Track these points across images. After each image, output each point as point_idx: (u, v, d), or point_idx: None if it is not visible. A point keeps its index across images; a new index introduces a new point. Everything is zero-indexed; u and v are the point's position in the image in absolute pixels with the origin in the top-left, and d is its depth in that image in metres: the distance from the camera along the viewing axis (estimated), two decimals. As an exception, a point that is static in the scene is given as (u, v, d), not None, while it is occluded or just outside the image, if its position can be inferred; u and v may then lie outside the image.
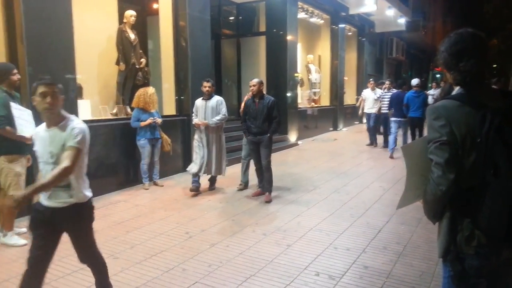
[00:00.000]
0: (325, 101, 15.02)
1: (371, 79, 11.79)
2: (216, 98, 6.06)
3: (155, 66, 8.02)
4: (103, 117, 6.76)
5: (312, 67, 14.23)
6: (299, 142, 11.73)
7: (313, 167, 8.36)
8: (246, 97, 6.38)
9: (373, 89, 11.08)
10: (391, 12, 16.11)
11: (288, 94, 11.37)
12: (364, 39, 17.75)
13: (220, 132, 6.18)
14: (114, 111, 7.21)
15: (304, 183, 6.85)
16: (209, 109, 5.99)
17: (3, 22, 4.95)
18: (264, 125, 5.65)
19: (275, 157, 9.50)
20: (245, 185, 6.45)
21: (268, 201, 5.65)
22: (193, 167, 6.13)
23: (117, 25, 7.29)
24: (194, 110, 6.23)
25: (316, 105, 14.27)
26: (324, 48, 15.10)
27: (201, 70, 7.86)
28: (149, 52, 8.39)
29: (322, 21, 14.53)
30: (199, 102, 6.13)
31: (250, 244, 4.13)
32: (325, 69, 15.09)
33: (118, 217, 5.08)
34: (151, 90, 6.43)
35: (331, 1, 13.71)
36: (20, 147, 4.09)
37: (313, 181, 7.03)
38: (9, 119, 3.90)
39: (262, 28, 11.88)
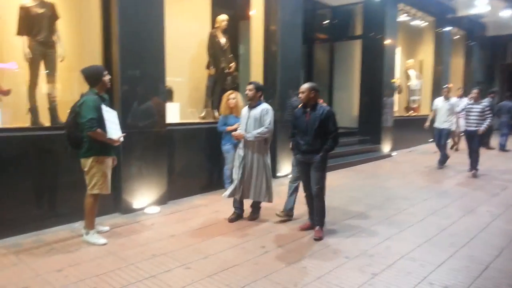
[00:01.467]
0: (426, 110, 13.82)
1: (444, 86, 9.49)
2: (262, 107, 4.88)
3: (244, 71, 7.95)
4: (191, 120, 6.81)
5: (412, 73, 13.20)
6: (393, 153, 10.88)
7: (408, 182, 7.60)
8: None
9: (446, 98, 8.91)
10: (507, 13, 14.32)
11: (384, 101, 10.61)
12: (473, 43, 16.07)
13: (263, 148, 4.96)
14: (202, 114, 7.25)
15: (397, 201, 6.21)
16: (251, 119, 4.87)
17: (100, 23, 5.15)
18: (316, 141, 4.45)
19: (366, 169, 8.97)
20: (287, 213, 5.19)
21: (318, 238, 4.48)
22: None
23: (210, 29, 7.35)
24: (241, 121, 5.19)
25: (414, 114, 13.20)
26: (426, 52, 13.94)
27: (290, 76, 7.60)
28: (239, 56, 8.35)
29: (426, 24, 13.41)
30: (244, 110, 5.11)
31: (330, 268, 3.72)
32: (427, 75, 13.92)
33: (196, 223, 5.00)
34: (238, 95, 6.30)
35: (436, 2, 12.59)
36: (108, 148, 4.20)
37: (407, 198, 6.34)
38: (100, 122, 4.00)
39: (358, 31, 11.27)
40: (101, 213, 4.81)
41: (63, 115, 5.06)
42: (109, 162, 4.30)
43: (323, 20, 11.90)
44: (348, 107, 11.50)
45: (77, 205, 4.52)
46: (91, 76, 4.10)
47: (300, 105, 4.66)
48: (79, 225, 4.73)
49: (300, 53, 7.91)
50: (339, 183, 7.38)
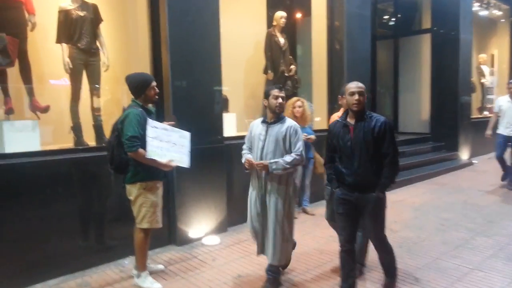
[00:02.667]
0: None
1: (510, 81, 7.15)
2: (288, 124, 3.34)
3: (304, 73, 7.07)
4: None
5: (486, 69, 11.77)
6: (474, 160, 9.56)
7: (504, 197, 6.38)
8: (332, 118, 4.00)
9: None
10: None
11: (460, 102, 9.36)
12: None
13: (288, 184, 3.39)
14: (260, 125, 6.43)
15: (504, 223, 5.07)
16: (271, 141, 3.34)
17: (148, 25, 4.47)
18: (368, 170, 2.94)
19: (447, 181, 7.73)
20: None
21: None
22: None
23: (265, 29, 6.55)
24: (247, 139, 3.66)
25: (490, 115, 11.74)
26: (501, 45, 12.45)
27: (358, 76, 6.59)
28: (297, 58, 7.49)
29: (500, 13, 11.95)
30: (256, 126, 3.52)
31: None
32: (501, 70, 12.42)
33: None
34: (304, 102, 5.43)
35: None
36: (158, 172, 3.45)
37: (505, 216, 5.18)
38: (144, 140, 3.27)
39: (426, 25, 10.08)
40: (154, 245, 4.11)
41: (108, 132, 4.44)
42: (160, 189, 3.56)
43: (386, 14, 10.82)
44: (416, 110, 10.32)
45: (126, 238, 3.86)
46: (135, 84, 3.40)
47: (340, 114, 3.20)
48: (129, 262, 4.04)
49: (369, 49, 6.95)
50: (423, 201, 6.30)
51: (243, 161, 3.54)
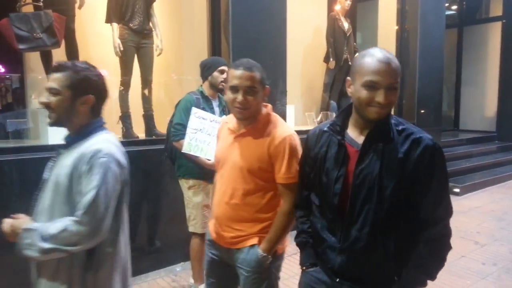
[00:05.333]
0: None
1: None
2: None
3: (367, 63, 6.43)
4: (309, 127, 5.42)
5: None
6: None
7: None
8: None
9: None
10: None
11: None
12: None
13: None
14: (318, 119, 5.86)
15: None
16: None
17: (207, 4, 3.97)
18: (382, 245, 1.42)
19: None
20: None
21: None
22: None
23: (325, 14, 5.95)
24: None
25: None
26: None
27: (431, 66, 5.97)
28: (358, 46, 6.84)
29: None
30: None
31: None
32: None
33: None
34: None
35: None
36: (203, 171, 2.88)
37: None
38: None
39: (496, 12, 9.14)
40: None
41: (160, 125, 3.99)
42: (206, 190, 2.96)
43: (448, 1, 9.94)
44: (480, 105, 9.42)
45: (178, 241, 3.48)
46: (203, 65, 2.98)
47: (329, 125, 1.55)
48: (180, 270, 3.61)
49: (443, 36, 6.21)
50: (505, 208, 5.54)
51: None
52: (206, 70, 2.94)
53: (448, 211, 1.44)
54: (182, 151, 2.82)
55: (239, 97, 1.72)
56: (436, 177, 1.38)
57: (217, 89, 2.99)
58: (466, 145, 8.20)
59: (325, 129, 1.52)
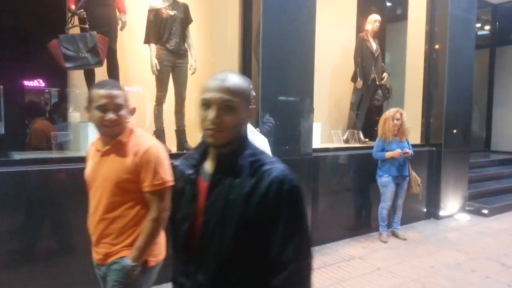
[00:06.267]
0: None
1: None
2: None
3: (395, 82, 6.47)
4: (336, 145, 5.51)
5: None
6: None
7: None
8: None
9: None
10: None
11: None
12: None
13: None
14: (344, 137, 5.94)
15: None
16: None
17: (239, 25, 4.19)
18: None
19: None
20: None
21: None
22: None
23: (354, 35, 6.07)
24: None
25: None
26: None
27: (460, 86, 5.96)
28: (386, 66, 6.91)
29: None
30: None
31: None
32: None
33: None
34: (403, 114, 4.89)
35: None
36: None
37: None
38: None
39: (530, 33, 9.04)
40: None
41: (192, 140, 4.18)
42: None
43: (480, 21, 9.87)
44: (513, 127, 9.25)
45: None
46: None
47: (183, 157, 1.40)
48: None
49: (473, 57, 6.20)
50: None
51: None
52: None
53: (301, 254, 1.18)
54: None
55: (109, 115, 1.78)
56: (284, 214, 1.17)
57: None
58: (497, 166, 8.05)
59: (185, 159, 1.34)
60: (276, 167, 1.20)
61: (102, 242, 1.89)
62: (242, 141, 1.26)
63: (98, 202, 1.88)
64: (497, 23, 9.61)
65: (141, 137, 1.91)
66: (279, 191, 1.17)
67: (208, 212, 1.23)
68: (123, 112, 1.83)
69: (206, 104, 1.20)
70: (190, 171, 1.29)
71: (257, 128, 3.30)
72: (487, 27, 9.85)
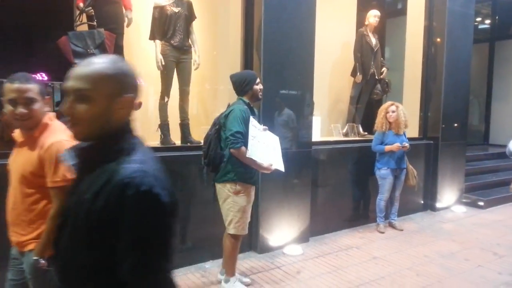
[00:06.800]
0: None
1: None
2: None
3: (394, 77, 6.58)
4: (335, 138, 5.65)
5: None
6: None
7: None
8: None
9: None
10: None
11: None
12: None
13: None
14: (344, 130, 6.07)
15: None
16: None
17: (241, 23, 4.30)
18: None
19: None
20: None
21: None
22: None
23: (353, 30, 6.18)
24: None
25: None
26: None
27: (457, 80, 6.07)
28: (386, 60, 7.02)
29: None
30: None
31: None
32: None
33: (354, 276, 3.80)
34: (399, 107, 5.02)
35: None
36: (252, 175, 3.26)
37: None
38: (246, 138, 3.11)
39: (530, 27, 9.11)
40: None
41: (196, 133, 4.33)
42: (251, 194, 3.34)
43: (480, 16, 9.95)
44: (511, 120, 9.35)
45: (208, 240, 3.88)
46: (241, 81, 3.29)
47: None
48: (209, 267, 3.91)
49: (471, 52, 6.30)
50: None
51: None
52: (246, 85, 3.26)
53: (139, 272, 0.99)
54: (247, 156, 3.05)
55: (19, 109, 1.80)
56: (125, 224, 0.98)
57: (257, 99, 3.37)
58: (494, 159, 8.17)
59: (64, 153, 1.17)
60: (127, 168, 1.02)
61: (14, 231, 1.95)
62: (110, 136, 1.10)
63: (11, 193, 1.95)
64: (496, 17, 9.69)
65: (54, 131, 1.90)
66: (121, 197, 0.98)
67: (64, 212, 1.12)
68: (36, 106, 1.83)
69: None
70: (72, 163, 1.14)
71: (263, 126, 3.40)
72: (487, 21, 9.92)
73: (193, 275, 3.77)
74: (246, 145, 3.09)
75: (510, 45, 9.49)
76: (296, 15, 4.25)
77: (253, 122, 3.17)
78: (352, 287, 3.58)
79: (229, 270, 3.40)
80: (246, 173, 3.20)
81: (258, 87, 3.31)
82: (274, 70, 4.18)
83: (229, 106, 3.32)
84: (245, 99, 3.29)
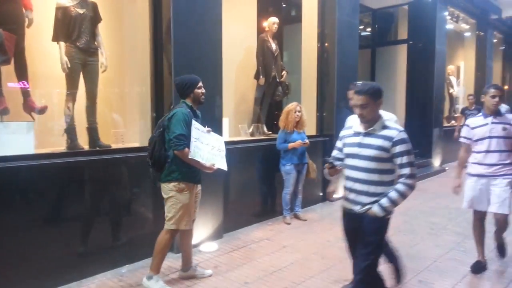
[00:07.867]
0: (468, 119, 12.89)
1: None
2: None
3: (292, 79, 7.10)
4: (242, 138, 5.93)
5: (453, 80, 12.30)
6: (446, 167, 9.93)
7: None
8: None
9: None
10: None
11: (433, 111, 9.72)
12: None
13: None
14: (250, 130, 6.40)
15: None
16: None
17: (149, 26, 4.35)
18: None
19: (426, 187, 7.86)
20: None
21: None
22: None
23: (255, 35, 6.54)
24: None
25: (457, 123, 12.27)
26: (467, 57, 13.06)
27: (347, 82, 6.71)
28: (285, 64, 7.52)
29: (467, 26, 12.55)
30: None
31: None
32: (467, 81, 13.03)
33: (267, 264, 4.10)
34: (302, 108, 5.48)
35: (483, 2, 11.70)
36: (195, 175, 3.48)
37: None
38: (189, 140, 3.31)
39: (403, 35, 10.44)
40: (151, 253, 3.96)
41: (104, 137, 4.26)
42: (194, 192, 3.53)
43: (363, 24, 11.11)
44: (391, 117, 10.60)
45: (122, 246, 3.94)
46: (183, 84, 3.46)
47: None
48: (126, 271, 3.90)
49: (357, 57, 7.07)
50: (409, 206, 6.42)
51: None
52: (187, 88, 3.43)
53: None
54: (189, 157, 3.25)
55: None
56: None
57: (199, 102, 3.53)
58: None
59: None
60: None
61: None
62: None
63: None
64: (376, 26, 10.91)
65: None
66: None
67: None
68: None
69: None
70: None
71: (207, 127, 3.63)
72: (369, 29, 11.11)
73: (110, 280, 3.73)
74: (189, 146, 3.27)
75: (386, 51, 10.77)
76: (205, 19, 4.43)
77: (195, 124, 3.36)
78: (266, 274, 3.86)
79: (155, 267, 3.50)
80: (190, 173, 3.40)
81: (200, 91, 3.49)
82: (186, 72, 4.28)
83: (172, 108, 3.47)
84: (188, 102, 3.45)
